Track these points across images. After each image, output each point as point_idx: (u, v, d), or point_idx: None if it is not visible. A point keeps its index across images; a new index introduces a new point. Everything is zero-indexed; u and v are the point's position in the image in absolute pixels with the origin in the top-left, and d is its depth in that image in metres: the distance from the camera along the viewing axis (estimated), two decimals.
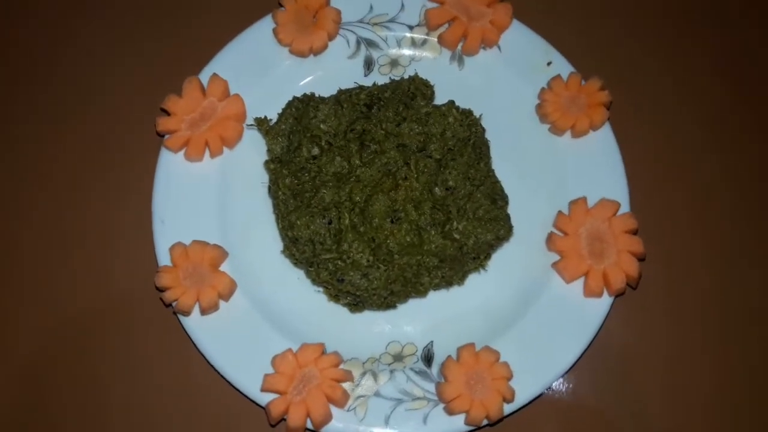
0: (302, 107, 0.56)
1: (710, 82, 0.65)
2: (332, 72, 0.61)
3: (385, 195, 0.53)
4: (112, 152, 0.62)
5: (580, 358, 0.53)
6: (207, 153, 0.58)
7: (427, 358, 0.54)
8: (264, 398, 0.51)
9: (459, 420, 0.51)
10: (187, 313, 0.53)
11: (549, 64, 0.61)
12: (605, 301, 0.54)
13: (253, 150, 0.58)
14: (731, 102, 0.64)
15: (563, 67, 0.61)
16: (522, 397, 0.51)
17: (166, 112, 0.58)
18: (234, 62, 0.60)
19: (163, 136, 0.57)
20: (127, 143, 0.61)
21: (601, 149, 0.58)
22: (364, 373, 0.53)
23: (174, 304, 0.52)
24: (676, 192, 0.61)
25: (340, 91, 0.58)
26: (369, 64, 0.62)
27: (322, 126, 0.55)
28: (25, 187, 0.60)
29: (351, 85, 0.59)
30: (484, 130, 0.58)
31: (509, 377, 0.51)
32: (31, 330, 0.56)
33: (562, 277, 0.55)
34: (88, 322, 0.56)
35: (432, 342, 0.54)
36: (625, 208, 0.56)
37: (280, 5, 0.61)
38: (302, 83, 0.61)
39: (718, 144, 0.63)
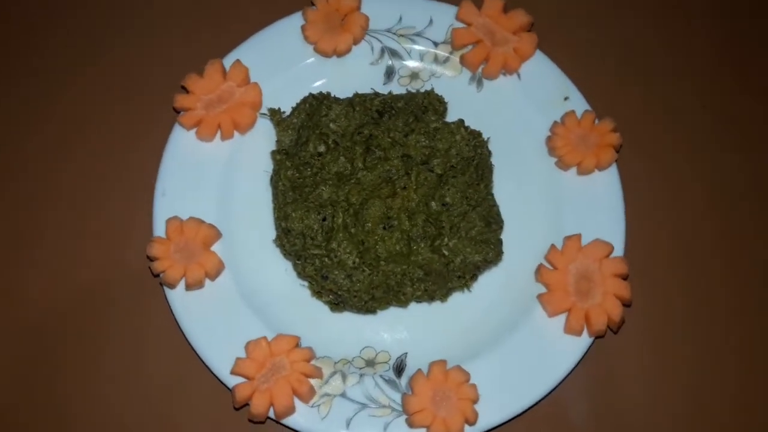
0: (316, 104, 0.57)
1: (721, 147, 0.64)
2: (352, 76, 0.62)
3: (381, 201, 0.53)
4: (130, 123, 0.63)
5: (550, 392, 0.53)
6: (218, 135, 0.59)
7: (399, 369, 0.54)
8: (232, 381, 0.51)
9: None
10: (172, 286, 0.54)
11: (566, 99, 0.62)
12: (584, 340, 0.54)
13: (262, 138, 0.59)
14: (741, 171, 0.64)
15: (579, 104, 0.61)
16: (484, 421, 0.51)
17: (186, 90, 0.59)
18: (258, 52, 0.61)
19: (179, 112, 0.59)
20: (145, 116, 0.63)
21: (604, 190, 0.58)
22: (333, 373, 0.53)
23: (161, 275, 0.53)
24: (672, 247, 0.61)
25: (356, 95, 0.59)
26: (390, 74, 0.63)
27: (331, 125, 0.56)
28: (44, 155, 0.62)
29: (368, 91, 0.60)
30: (490, 153, 0.58)
31: (475, 400, 0.51)
32: (31, 301, 0.57)
33: (545, 310, 0.55)
34: (87, 288, 0.58)
35: (406, 354, 0.55)
36: (618, 251, 0.56)
37: (312, 4, 0.62)
38: (320, 82, 0.62)
39: (721, 209, 0.62)
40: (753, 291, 0.59)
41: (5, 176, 0.62)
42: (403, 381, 0.53)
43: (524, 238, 0.58)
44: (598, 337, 0.54)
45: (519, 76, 0.62)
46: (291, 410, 0.51)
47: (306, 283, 0.55)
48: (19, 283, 0.58)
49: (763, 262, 0.60)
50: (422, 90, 0.61)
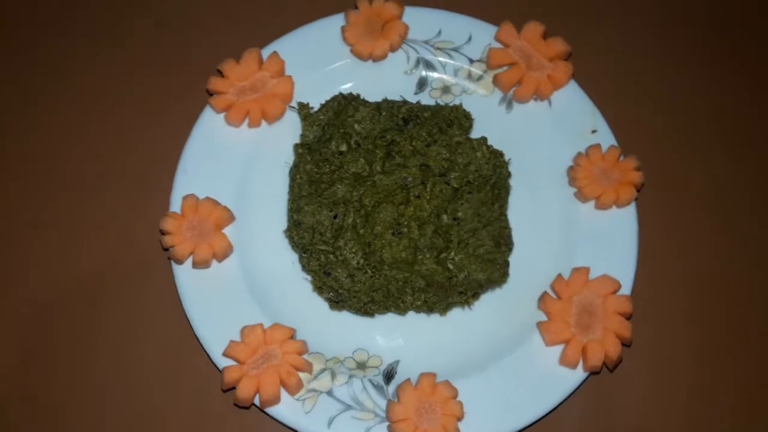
0: (344, 104, 0.58)
1: (749, 207, 0.63)
2: (384, 82, 0.62)
3: (394, 207, 0.54)
4: (164, 103, 0.65)
5: (537, 421, 0.52)
6: (246, 122, 0.60)
7: (388, 375, 0.54)
8: (223, 363, 0.52)
9: None
10: (179, 262, 0.55)
11: (593, 132, 0.61)
12: (578, 374, 0.53)
13: (288, 131, 0.60)
14: (764, 229, 0.62)
15: (606, 139, 0.61)
16: None
17: (221, 75, 0.61)
18: (296, 47, 0.62)
19: (211, 95, 0.60)
20: (178, 96, 0.64)
21: (619, 227, 0.58)
22: (323, 370, 0.53)
23: (170, 249, 0.54)
24: (681, 294, 0.60)
25: (384, 100, 0.59)
26: (422, 85, 0.64)
27: (356, 126, 0.57)
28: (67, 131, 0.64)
29: (397, 98, 0.61)
30: (509, 174, 0.58)
31: (460, 417, 0.51)
32: (43, 276, 0.58)
33: (543, 339, 0.54)
34: (96, 268, 0.59)
35: (398, 362, 0.55)
36: (625, 290, 0.55)
37: (355, 6, 0.64)
38: (352, 84, 0.62)
39: (737, 263, 0.61)
40: (757, 345, 0.58)
41: (19, 153, 0.63)
42: (391, 388, 0.53)
43: (532, 264, 0.57)
44: (593, 373, 0.54)
45: (550, 103, 0.62)
46: (276, 400, 0.51)
47: (309, 278, 0.56)
48: (28, 263, 0.59)
49: None
50: (452, 104, 0.62)
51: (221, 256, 0.55)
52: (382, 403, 0.52)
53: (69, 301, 0.58)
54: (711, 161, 0.65)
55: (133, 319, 0.57)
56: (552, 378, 0.53)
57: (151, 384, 0.55)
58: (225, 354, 0.52)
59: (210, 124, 0.60)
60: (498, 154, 0.57)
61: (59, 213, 0.61)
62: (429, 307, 0.55)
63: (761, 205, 0.63)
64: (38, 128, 0.64)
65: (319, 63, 0.63)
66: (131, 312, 0.57)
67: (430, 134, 0.57)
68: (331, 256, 0.53)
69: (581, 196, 0.59)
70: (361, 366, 0.54)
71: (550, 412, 0.53)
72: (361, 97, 0.60)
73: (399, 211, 0.54)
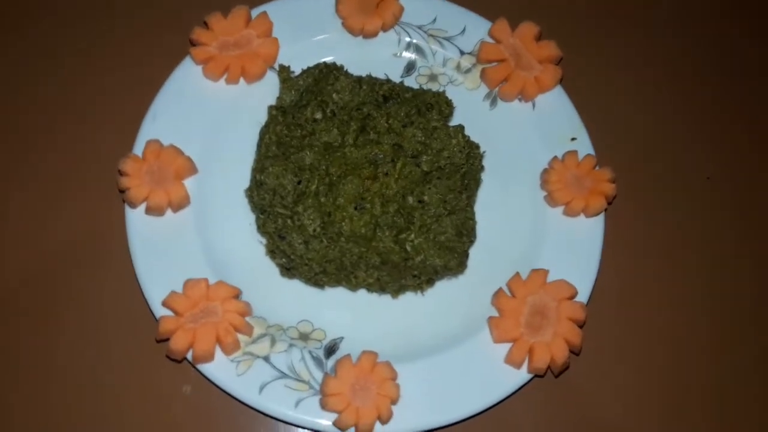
0: (326, 72, 0.57)
1: (718, 227, 0.63)
2: (372, 60, 0.62)
3: (360, 181, 0.53)
4: (144, 46, 0.63)
5: (472, 417, 0.51)
6: (224, 78, 0.59)
7: (330, 350, 0.53)
8: (161, 311, 0.50)
9: (328, 417, 0.49)
10: (133, 205, 0.53)
11: (573, 139, 0.61)
12: (521, 375, 0.52)
13: (265, 93, 0.59)
14: (738, 258, 0.62)
15: (584, 147, 0.60)
16: (395, 426, 0.49)
17: (206, 27, 0.59)
18: (288, 11, 0.61)
19: (194, 45, 0.59)
20: (158, 44, 0.63)
21: (584, 236, 0.57)
22: (264, 335, 0.52)
23: (126, 191, 0.53)
24: (638, 309, 0.59)
25: (368, 76, 0.59)
26: (409, 69, 0.63)
27: (334, 95, 0.56)
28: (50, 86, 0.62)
29: (382, 77, 0.60)
30: (482, 167, 0.58)
31: (394, 400, 0.49)
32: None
33: (492, 334, 0.53)
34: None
35: (342, 338, 0.53)
36: (581, 298, 0.55)
37: None
38: (338, 57, 0.61)
39: (712, 284, 0.61)
40: (715, 372, 0.57)
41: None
42: (330, 363, 0.52)
43: (492, 260, 0.56)
44: (537, 375, 0.53)
45: (534, 104, 0.62)
46: (209, 357, 0.50)
47: (264, 241, 0.54)
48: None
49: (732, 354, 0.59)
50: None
51: (176, 206, 0.54)
52: (319, 376, 0.51)
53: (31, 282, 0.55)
54: (688, 181, 0.64)
55: (92, 298, 0.55)
56: (495, 375, 0.52)
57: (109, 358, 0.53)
58: (164, 303, 0.50)
59: (187, 74, 0.58)
60: (473, 146, 0.57)
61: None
62: (381, 287, 0.53)
63: (734, 230, 0.63)
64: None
65: (307, 31, 0.62)
66: (90, 292, 0.55)
67: (408, 115, 0.56)
68: (289, 220, 0.52)
69: (551, 200, 0.58)
70: (304, 337, 0.53)
71: (488, 409, 0.51)
72: (345, 69, 0.59)
73: (364, 186, 0.53)
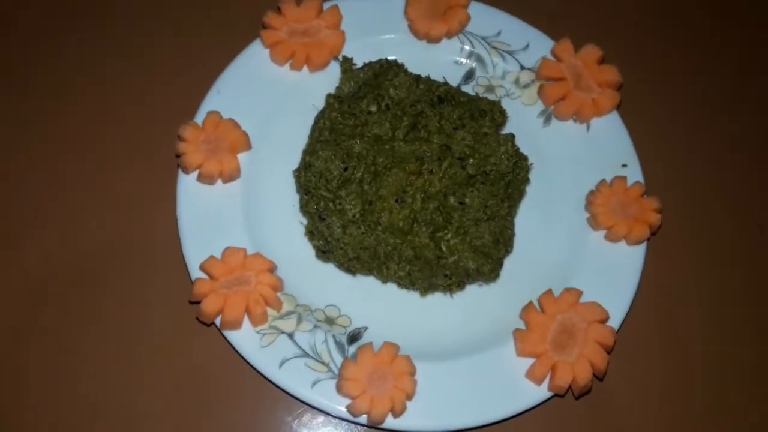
0: (387, 67, 0.58)
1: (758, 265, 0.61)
2: (433, 64, 0.62)
3: (404, 174, 0.53)
4: (217, 26, 0.66)
5: (485, 426, 0.50)
6: (289, 64, 0.61)
7: (353, 337, 0.53)
8: (197, 273, 0.52)
9: (342, 402, 0.49)
10: (186, 171, 0.55)
11: (624, 166, 0.60)
12: (541, 392, 0.51)
13: (326, 83, 0.61)
14: None
15: (635, 174, 0.59)
16: (407, 421, 0.49)
17: (279, 12, 0.62)
18: (358, 8, 0.63)
19: (265, 28, 0.61)
20: (231, 24, 0.66)
21: (624, 263, 0.56)
22: (291, 312, 0.53)
23: (181, 156, 0.55)
24: (671, 345, 0.58)
25: (427, 77, 0.60)
26: (468, 77, 0.64)
27: (391, 90, 0.57)
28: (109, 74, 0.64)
29: (440, 80, 0.61)
30: (527, 180, 0.58)
31: (410, 395, 0.49)
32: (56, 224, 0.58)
33: (516, 347, 0.53)
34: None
35: (366, 328, 0.54)
36: (613, 323, 0.54)
37: None
38: (402, 57, 0.62)
39: (752, 345, 0.59)
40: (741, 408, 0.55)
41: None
42: (352, 349, 0.52)
43: (527, 273, 0.56)
44: (556, 394, 0.52)
45: (588, 126, 0.62)
46: (237, 325, 0.51)
47: (305, 222, 0.56)
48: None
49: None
50: None
51: (227, 177, 0.56)
52: (339, 360, 0.51)
53: (73, 276, 0.56)
54: (738, 227, 0.63)
55: (140, 296, 0.56)
56: (514, 388, 0.51)
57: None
58: (201, 267, 0.52)
59: (255, 55, 0.61)
60: (522, 157, 0.57)
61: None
62: (411, 282, 0.54)
63: None
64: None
65: (374, 29, 0.63)
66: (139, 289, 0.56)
67: (460, 118, 0.56)
68: (331, 203, 0.53)
69: (594, 223, 0.58)
70: (330, 321, 0.53)
71: (503, 421, 0.51)
72: (405, 68, 0.60)
73: (408, 181, 0.53)
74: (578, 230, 0.58)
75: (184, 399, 0.53)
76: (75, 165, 0.60)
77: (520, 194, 0.57)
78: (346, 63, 0.60)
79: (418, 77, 0.59)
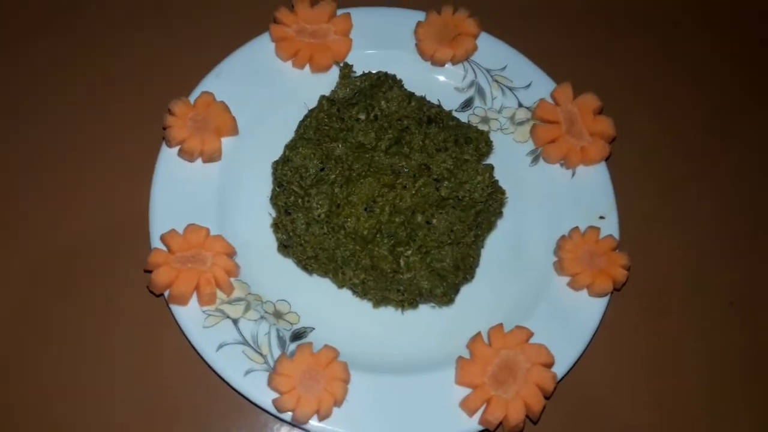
0: (384, 80, 0.59)
1: (722, 333, 0.60)
2: (433, 87, 0.63)
3: (378, 185, 0.54)
4: (228, 16, 0.68)
5: None
6: (292, 61, 0.62)
7: (297, 335, 0.53)
8: (157, 245, 0.53)
9: (269, 395, 0.49)
10: (169, 144, 0.56)
11: (601, 218, 0.60)
12: (471, 423, 0.51)
13: (324, 86, 0.62)
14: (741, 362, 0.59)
15: (610, 228, 0.59)
16: (330, 426, 0.49)
17: (293, 10, 0.63)
18: (369, 20, 0.64)
19: (275, 23, 0.63)
20: (239, 20, 0.67)
21: (581, 312, 0.56)
22: (241, 299, 0.53)
23: (166, 129, 0.56)
24: (613, 408, 0.57)
25: (422, 96, 0.60)
26: (465, 105, 0.64)
27: (383, 102, 0.58)
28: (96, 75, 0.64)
29: (435, 102, 0.62)
30: (500, 213, 0.58)
31: (338, 401, 0.49)
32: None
33: (456, 375, 0.52)
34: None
35: (313, 329, 0.54)
36: (558, 370, 0.53)
37: (438, 13, 0.65)
38: (403, 73, 0.63)
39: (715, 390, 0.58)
40: None
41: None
42: (292, 347, 0.52)
43: (484, 304, 0.56)
44: (486, 430, 0.51)
45: (573, 173, 0.62)
46: (184, 301, 0.51)
47: (273, 214, 0.56)
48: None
49: None
50: None
51: (207, 158, 0.57)
52: (277, 354, 0.51)
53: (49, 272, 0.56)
54: (709, 302, 0.62)
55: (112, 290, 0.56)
56: (444, 415, 0.51)
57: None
58: (161, 238, 0.52)
59: (260, 46, 0.62)
60: (499, 189, 0.57)
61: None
62: (364, 291, 0.54)
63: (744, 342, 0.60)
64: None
65: (382, 43, 0.65)
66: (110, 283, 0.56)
67: (445, 141, 0.57)
68: (300, 200, 0.53)
69: (559, 267, 0.57)
70: (278, 315, 0.54)
71: None
72: (404, 85, 0.61)
73: (380, 191, 0.54)
74: (543, 272, 0.58)
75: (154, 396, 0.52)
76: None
77: (490, 225, 0.57)
78: (346, 69, 0.61)
79: (411, 94, 0.59)
